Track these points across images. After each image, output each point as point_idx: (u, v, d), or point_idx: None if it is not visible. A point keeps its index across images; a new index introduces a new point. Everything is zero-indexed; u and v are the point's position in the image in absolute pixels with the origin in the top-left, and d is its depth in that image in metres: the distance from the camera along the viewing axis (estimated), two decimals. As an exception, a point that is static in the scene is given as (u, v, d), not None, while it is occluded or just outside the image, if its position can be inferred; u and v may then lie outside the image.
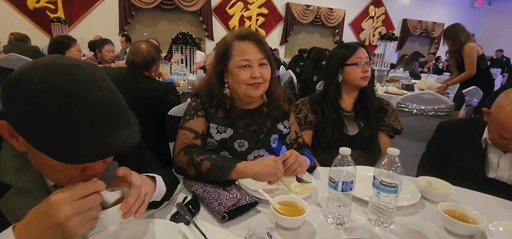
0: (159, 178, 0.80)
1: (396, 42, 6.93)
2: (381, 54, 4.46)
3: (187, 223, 0.76)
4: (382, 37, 4.50)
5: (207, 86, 1.15)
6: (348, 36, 9.58)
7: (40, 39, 6.15)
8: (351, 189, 0.79)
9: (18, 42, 4.44)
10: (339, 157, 0.80)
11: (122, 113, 0.58)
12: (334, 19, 9.44)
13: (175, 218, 0.79)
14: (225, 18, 8.33)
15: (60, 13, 6.70)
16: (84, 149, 0.51)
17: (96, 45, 3.66)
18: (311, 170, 1.14)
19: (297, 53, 6.42)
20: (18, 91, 0.50)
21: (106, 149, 0.54)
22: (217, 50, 1.13)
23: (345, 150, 0.79)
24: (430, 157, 1.43)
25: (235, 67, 1.07)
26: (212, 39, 8.04)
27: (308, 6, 8.95)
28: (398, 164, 0.79)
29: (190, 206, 0.84)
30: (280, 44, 9.07)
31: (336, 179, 0.78)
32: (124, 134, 0.56)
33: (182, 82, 2.99)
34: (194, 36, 3.52)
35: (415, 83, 3.87)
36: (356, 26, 9.92)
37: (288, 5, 8.75)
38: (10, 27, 5.49)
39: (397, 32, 10.41)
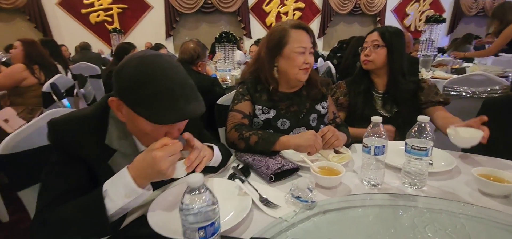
0: (216, 147, 0.98)
1: (444, 24, 6.40)
2: (426, 39, 4.22)
3: (242, 182, 0.93)
4: (428, 20, 4.25)
5: (255, 71, 1.31)
6: (391, 24, 9.04)
7: (101, 48, 7.02)
8: (383, 153, 0.88)
9: (83, 50, 5.39)
10: (371, 125, 0.89)
11: (192, 90, 0.78)
12: (375, 7, 9.02)
13: (231, 178, 0.97)
14: (262, 16, 8.51)
15: (116, 24, 7.55)
16: (167, 113, 0.72)
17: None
18: (348, 145, 1.23)
19: (336, 45, 6.31)
20: (123, 74, 0.73)
21: (182, 114, 0.74)
22: (272, 36, 1.25)
23: (377, 119, 0.88)
24: None
25: (292, 52, 1.20)
26: (250, 37, 8.29)
27: (346, -5, 8.71)
28: (429, 131, 0.86)
29: (242, 171, 1.02)
30: (318, 37, 8.96)
31: (369, 144, 0.88)
32: (194, 105, 0.77)
33: (228, 77, 3.23)
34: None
35: (468, 67, 3.61)
36: (400, 12, 9.34)
37: (325, -3, 8.61)
38: (77, 40, 6.36)
39: (448, 14, 9.54)
